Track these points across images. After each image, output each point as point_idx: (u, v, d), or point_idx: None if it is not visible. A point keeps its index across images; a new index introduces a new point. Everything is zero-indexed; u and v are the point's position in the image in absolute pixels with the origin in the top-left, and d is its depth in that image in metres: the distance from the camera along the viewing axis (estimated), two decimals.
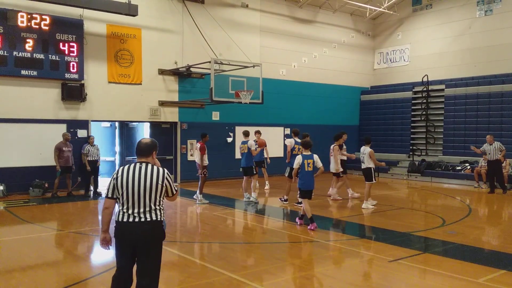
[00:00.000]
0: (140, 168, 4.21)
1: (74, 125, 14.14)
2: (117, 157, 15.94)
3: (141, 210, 4.18)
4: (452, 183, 16.64)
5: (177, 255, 7.14)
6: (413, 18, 21.08)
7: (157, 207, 4.28)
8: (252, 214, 10.97)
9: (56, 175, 12.90)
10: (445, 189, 15.47)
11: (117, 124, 16.10)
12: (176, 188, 4.50)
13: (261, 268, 6.50)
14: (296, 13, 19.60)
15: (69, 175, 13.17)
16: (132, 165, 4.26)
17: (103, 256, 7.46)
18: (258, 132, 13.68)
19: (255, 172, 12.33)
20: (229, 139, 17.48)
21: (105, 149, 15.60)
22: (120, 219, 4.18)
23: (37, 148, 13.37)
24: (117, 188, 4.19)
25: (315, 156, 8.95)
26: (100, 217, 10.91)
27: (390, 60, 22.02)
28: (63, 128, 13.77)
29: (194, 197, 12.32)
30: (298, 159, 8.91)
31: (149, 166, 4.26)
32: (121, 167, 4.29)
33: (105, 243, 4.40)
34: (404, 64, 21.42)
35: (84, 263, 6.96)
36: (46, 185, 13.20)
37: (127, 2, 13.64)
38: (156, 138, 16.42)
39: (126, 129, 16.18)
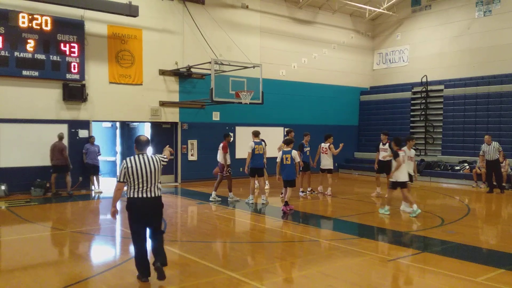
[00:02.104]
0: (143, 158, 5.69)
1: (75, 125, 14.19)
2: (118, 157, 15.98)
3: (148, 188, 5.64)
4: (451, 182, 16.69)
5: (178, 254, 7.18)
6: (412, 19, 21.13)
7: (158, 184, 5.76)
8: (252, 214, 11.01)
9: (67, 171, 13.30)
10: (444, 189, 15.52)
11: (118, 124, 16.15)
12: (165, 157, 5.94)
13: (261, 267, 6.54)
14: (296, 14, 19.65)
15: (57, 175, 13.17)
16: (136, 156, 5.70)
17: (104, 255, 7.51)
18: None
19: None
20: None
21: (106, 149, 15.65)
22: (133, 196, 5.61)
23: (38, 148, 13.41)
24: (128, 174, 5.58)
25: (293, 152, 10.49)
26: (101, 217, 10.98)
27: (390, 61, 22.06)
28: (64, 128, 13.82)
29: (229, 199, 12.30)
30: (279, 155, 10.64)
31: (148, 155, 5.76)
32: (127, 159, 5.66)
33: (114, 215, 5.80)
34: (403, 64, 21.46)
35: (85, 262, 7.00)
36: (48, 185, 13.25)
37: (128, 3, 13.69)
38: (157, 138, 16.72)
39: (127, 129, 16.23)
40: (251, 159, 11.76)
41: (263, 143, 12.07)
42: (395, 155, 10.13)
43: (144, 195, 5.61)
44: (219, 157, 12.33)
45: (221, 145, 12.26)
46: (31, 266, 6.68)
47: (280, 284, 5.88)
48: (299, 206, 11.72)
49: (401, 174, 10.16)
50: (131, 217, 5.70)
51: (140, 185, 5.60)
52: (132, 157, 5.69)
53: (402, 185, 10.25)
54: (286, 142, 10.81)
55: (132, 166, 5.58)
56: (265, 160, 13.45)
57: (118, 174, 5.69)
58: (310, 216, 10.63)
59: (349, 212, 10.95)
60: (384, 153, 12.48)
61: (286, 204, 10.59)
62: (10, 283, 5.88)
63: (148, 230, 5.82)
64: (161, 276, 5.65)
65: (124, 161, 5.67)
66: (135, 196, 5.61)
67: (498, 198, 13.38)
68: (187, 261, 6.78)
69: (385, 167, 12.18)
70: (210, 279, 5.91)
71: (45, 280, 6.02)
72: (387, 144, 12.52)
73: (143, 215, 5.65)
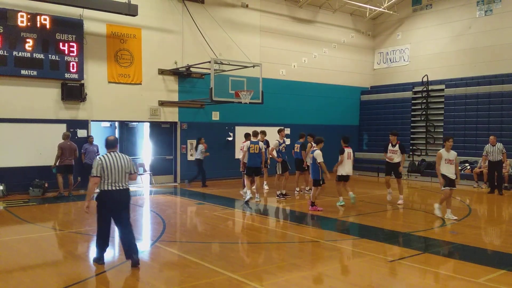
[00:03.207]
0: (115, 155, 6.52)
1: (74, 125, 14.14)
2: None
3: (120, 182, 6.43)
4: None
5: (177, 255, 7.14)
6: (413, 18, 21.08)
7: (127, 179, 6.56)
8: (252, 214, 10.96)
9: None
10: None
11: (117, 124, 16.09)
12: (136, 169, 6.47)
13: (261, 268, 6.50)
14: (296, 13, 19.60)
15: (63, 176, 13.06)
16: (109, 154, 6.50)
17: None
18: (262, 133, 13.38)
19: (262, 173, 12.77)
20: (229, 139, 17.46)
21: (104, 149, 15.56)
22: (106, 189, 6.35)
23: (37, 148, 13.36)
24: (103, 169, 6.31)
25: (315, 152, 10.68)
26: None
27: (390, 60, 22.01)
28: (63, 128, 13.75)
29: (240, 192, 12.86)
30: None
31: (120, 153, 6.59)
32: (101, 156, 6.45)
33: (89, 208, 6.51)
34: (404, 64, 21.42)
35: (84, 263, 6.95)
36: (46, 185, 13.19)
37: (127, 2, 13.62)
38: (156, 138, 16.66)
39: (126, 129, 16.17)
40: (248, 158, 12.04)
41: (260, 143, 12.19)
42: (340, 152, 11.33)
43: (116, 188, 6.39)
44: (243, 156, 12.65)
45: (244, 145, 12.56)
46: (30, 266, 6.64)
47: (280, 285, 5.82)
48: (298, 206, 11.67)
49: (342, 169, 11.36)
50: (102, 207, 6.46)
51: (112, 179, 6.35)
52: (105, 154, 6.50)
53: (345, 178, 11.50)
54: (316, 142, 10.98)
55: (106, 162, 6.36)
56: (268, 160, 13.45)
57: (93, 169, 6.37)
58: (310, 216, 10.58)
59: (349, 212, 10.89)
60: (392, 155, 11.83)
61: (312, 204, 10.84)
62: (9, 283, 5.85)
63: (117, 222, 6.55)
64: (136, 263, 6.42)
65: (98, 157, 6.49)
66: (108, 188, 6.35)
67: (499, 199, 13.33)
68: (186, 262, 6.74)
69: (394, 169, 11.87)
70: (209, 280, 5.87)
71: (44, 281, 5.97)
72: (397, 145, 11.84)
73: (115, 205, 6.42)
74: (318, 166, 10.64)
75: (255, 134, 12.34)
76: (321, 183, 10.81)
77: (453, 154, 9.79)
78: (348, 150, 11.42)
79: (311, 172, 11.01)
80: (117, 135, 16.16)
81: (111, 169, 6.35)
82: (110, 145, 6.66)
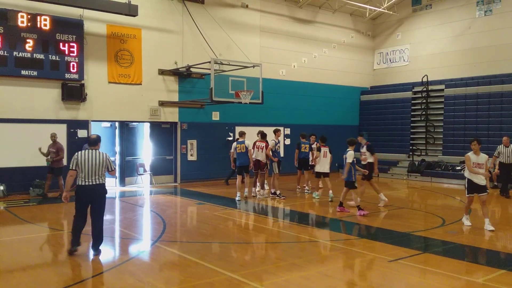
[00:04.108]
0: (93, 152, 7.02)
1: (74, 125, 14.15)
2: (117, 157, 15.92)
3: (94, 177, 6.98)
4: (452, 183, 16.64)
5: (177, 255, 7.16)
6: (412, 18, 21.10)
7: (102, 176, 7.09)
8: (252, 214, 10.98)
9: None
10: (445, 189, 15.48)
11: (117, 124, 16.09)
12: (114, 166, 7.31)
13: (261, 268, 6.51)
14: (296, 13, 19.61)
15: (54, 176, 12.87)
16: (87, 150, 7.02)
17: (102, 256, 7.47)
18: (262, 134, 13.44)
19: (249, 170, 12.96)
20: (229, 139, 17.45)
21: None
22: (80, 183, 6.96)
23: (37, 148, 13.34)
24: (79, 164, 6.90)
25: (348, 153, 10.58)
26: None
27: (390, 60, 22.03)
28: (63, 128, 13.77)
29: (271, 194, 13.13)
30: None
31: (97, 151, 7.08)
32: (80, 152, 7.02)
33: (67, 198, 7.13)
34: (404, 64, 21.43)
35: (84, 263, 6.96)
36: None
37: (127, 2, 13.65)
38: (156, 138, 16.65)
39: (126, 129, 16.16)
40: (237, 158, 12.49)
41: (246, 142, 12.55)
42: (317, 150, 12.52)
43: (88, 183, 6.93)
44: (260, 155, 12.82)
45: (263, 144, 12.82)
46: (30, 266, 6.65)
47: (280, 285, 5.83)
48: (299, 206, 11.68)
49: (320, 167, 12.45)
50: (76, 200, 7.08)
51: (84, 174, 6.89)
52: (83, 151, 7.03)
53: (324, 175, 12.46)
54: (350, 143, 10.63)
55: (80, 158, 6.93)
56: (268, 161, 13.47)
57: (70, 163, 6.98)
58: (310, 216, 10.58)
59: (348, 212, 10.89)
60: (364, 157, 11.48)
61: (340, 204, 10.76)
62: (10, 283, 5.86)
63: (91, 215, 7.17)
64: (97, 254, 7.15)
65: (76, 153, 7.04)
66: (82, 183, 6.93)
67: (499, 199, 13.32)
68: (187, 262, 6.75)
69: (372, 172, 11.44)
70: (210, 280, 5.88)
71: (44, 281, 5.99)
72: (365, 146, 11.45)
73: (87, 198, 7.00)
74: (351, 168, 10.38)
75: (241, 134, 12.69)
76: (355, 185, 10.55)
77: (483, 157, 8.81)
78: (324, 149, 12.37)
79: (346, 173, 10.47)
80: (117, 135, 16.19)
81: (85, 165, 6.89)
82: (90, 143, 7.24)
